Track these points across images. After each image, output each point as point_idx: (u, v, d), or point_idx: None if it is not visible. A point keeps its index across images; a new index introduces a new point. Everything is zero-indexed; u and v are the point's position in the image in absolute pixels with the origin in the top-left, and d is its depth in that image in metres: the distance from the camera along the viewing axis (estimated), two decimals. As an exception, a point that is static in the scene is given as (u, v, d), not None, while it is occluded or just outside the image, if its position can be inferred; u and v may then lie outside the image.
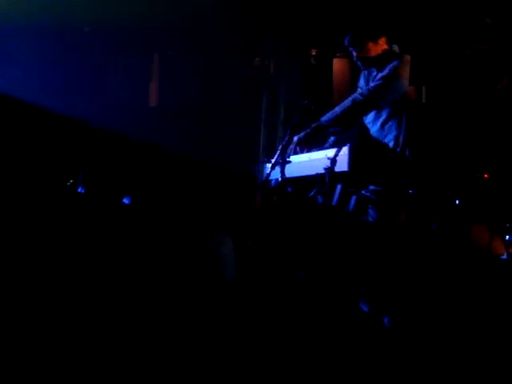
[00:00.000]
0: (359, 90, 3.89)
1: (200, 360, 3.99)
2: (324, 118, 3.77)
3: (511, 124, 2.74)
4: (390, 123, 3.86)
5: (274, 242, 7.41)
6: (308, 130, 3.67)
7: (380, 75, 3.81)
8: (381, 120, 3.92)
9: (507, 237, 5.18)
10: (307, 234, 4.14)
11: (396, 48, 4.02)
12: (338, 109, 3.80)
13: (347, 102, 3.79)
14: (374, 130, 3.99)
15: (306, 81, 9.43)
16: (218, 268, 6.82)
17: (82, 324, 4.12)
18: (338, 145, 3.57)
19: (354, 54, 4.00)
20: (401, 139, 3.71)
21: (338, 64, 9.26)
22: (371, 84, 3.83)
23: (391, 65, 3.80)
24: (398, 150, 3.75)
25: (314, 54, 9.44)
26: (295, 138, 3.65)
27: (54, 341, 3.83)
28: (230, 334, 4.67)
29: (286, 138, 3.55)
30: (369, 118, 4.03)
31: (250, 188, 7.38)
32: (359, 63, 4.04)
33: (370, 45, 3.94)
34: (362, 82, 4.17)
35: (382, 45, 3.97)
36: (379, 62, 3.98)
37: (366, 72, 4.12)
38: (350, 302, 4.03)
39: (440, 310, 4.56)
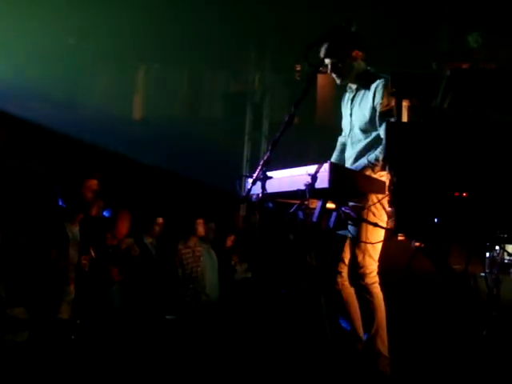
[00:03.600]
0: (373, 157, 3.87)
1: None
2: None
3: (489, 142, 2.77)
4: (376, 145, 3.87)
5: (256, 257, 7.39)
6: None
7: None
8: (367, 141, 3.94)
9: (487, 254, 5.22)
10: (288, 250, 4.14)
11: (372, 69, 4.04)
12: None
13: (364, 166, 3.85)
14: (358, 148, 4.00)
15: (289, 96, 9.48)
16: (200, 282, 6.79)
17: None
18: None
19: (329, 65, 4.01)
20: (380, 156, 3.73)
21: (322, 79, 9.32)
22: (379, 151, 3.81)
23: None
24: (378, 166, 3.76)
25: (298, 69, 9.50)
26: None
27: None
28: (212, 349, 4.65)
29: (268, 153, 3.53)
30: (353, 137, 4.05)
31: (232, 202, 7.40)
32: (334, 75, 4.05)
33: (344, 56, 3.96)
34: (345, 109, 4.16)
35: (356, 59, 3.98)
36: (359, 78, 4.00)
37: (350, 93, 4.12)
38: (330, 317, 4.03)
39: (418, 328, 4.58)
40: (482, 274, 4.64)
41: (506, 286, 4.78)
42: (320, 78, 9.18)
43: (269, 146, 3.48)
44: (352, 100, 4.10)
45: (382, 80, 3.89)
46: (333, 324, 4.00)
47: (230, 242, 7.73)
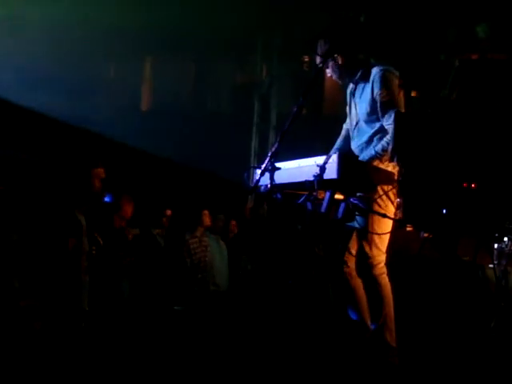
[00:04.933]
0: (380, 147, 3.86)
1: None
2: None
3: (497, 134, 2.75)
4: (380, 134, 3.87)
5: (265, 248, 7.40)
6: None
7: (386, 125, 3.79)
8: (372, 132, 3.94)
9: (495, 245, 5.20)
10: (296, 241, 4.14)
11: (372, 60, 4.03)
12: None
13: (372, 157, 3.83)
14: (364, 139, 4.00)
15: (297, 86, 9.44)
16: (209, 271, 6.81)
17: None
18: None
19: (329, 67, 4.02)
20: (389, 147, 3.71)
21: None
22: (386, 140, 3.80)
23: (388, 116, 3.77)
24: (386, 157, 3.76)
25: (306, 60, 9.47)
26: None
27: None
28: (219, 339, 4.66)
29: (276, 144, 3.53)
30: (359, 130, 4.05)
31: (240, 193, 7.40)
32: (334, 77, 4.08)
33: (340, 57, 3.98)
34: (350, 102, 4.16)
35: (354, 57, 4.00)
36: (358, 71, 4.00)
37: (352, 86, 4.12)
38: (338, 308, 4.04)
39: (426, 319, 4.58)
40: (491, 266, 4.63)
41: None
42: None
43: (277, 137, 3.47)
44: (354, 93, 4.10)
45: (378, 70, 3.88)
46: (340, 314, 4.01)
47: (233, 228, 7.71)
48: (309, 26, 8.36)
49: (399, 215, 3.28)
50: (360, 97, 4.01)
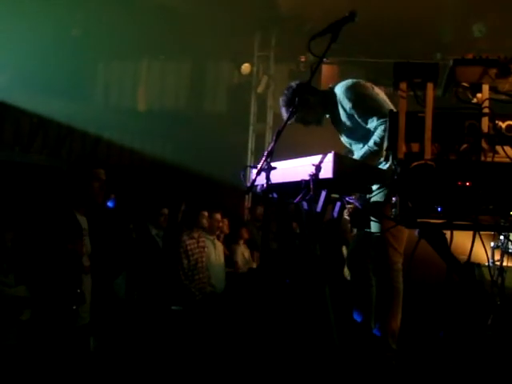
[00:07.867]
0: (372, 142, 3.91)
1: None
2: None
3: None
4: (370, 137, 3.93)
5: (262, 247, 7.39)
6: None
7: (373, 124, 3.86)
8: (363, 142, 3.99)
9: (491, 244, 5.23)
10: (293, 240, 4.15)
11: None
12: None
13: (366, 153, 3.91)
14: (358, 136, 4.04)
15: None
16: (205, 272, 6.81)
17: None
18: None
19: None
20: (384, 146, 3.74)
21: (326, 70, 9.30)
22: (377, 135, 3.87)
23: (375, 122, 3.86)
24: (382, 157, 3.78)
25: (302, 60, 9.48)
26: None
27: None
28: (216, 340, 4.67)
29: (272, 144, 3.54)
30: (355, 149, 4.11)
31: (237, 193, 7.40)
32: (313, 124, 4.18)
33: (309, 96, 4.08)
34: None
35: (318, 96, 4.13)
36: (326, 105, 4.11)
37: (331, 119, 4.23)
38: (338, 308, 4.05)
39: (422, 317, 4.60)
40: (487, 264, 4.65)
41: (510, 275, 4.80)
42: (324, 68, 9.17)
43: (273, 136, 3.49)
44: (333, 123, 4.21)
45: (339, 91, 4.05)
46: (340, 314, 4.02)
47: (226, 227, 7.69)
48: (306, 25, 8.40)
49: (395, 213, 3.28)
50: (340, 122, 4.15)
